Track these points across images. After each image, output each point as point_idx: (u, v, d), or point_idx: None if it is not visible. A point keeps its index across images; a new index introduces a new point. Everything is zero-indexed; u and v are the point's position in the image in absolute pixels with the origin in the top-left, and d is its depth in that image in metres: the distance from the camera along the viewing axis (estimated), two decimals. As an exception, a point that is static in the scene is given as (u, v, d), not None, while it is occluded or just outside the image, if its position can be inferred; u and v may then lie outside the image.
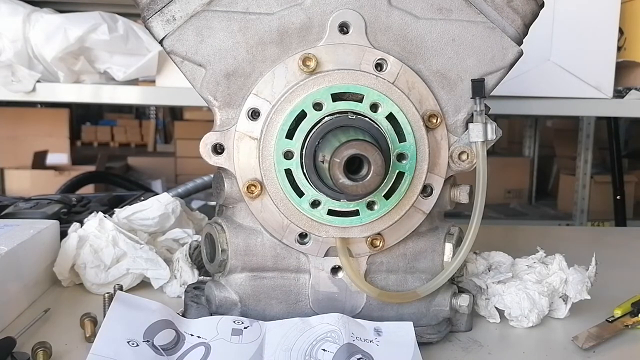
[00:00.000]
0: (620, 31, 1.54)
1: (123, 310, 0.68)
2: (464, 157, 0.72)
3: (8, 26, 1.39)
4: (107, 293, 0.73)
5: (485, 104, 0.71)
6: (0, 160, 3.50)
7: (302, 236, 0.71)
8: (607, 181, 3.12)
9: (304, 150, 0.66)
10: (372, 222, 0.70)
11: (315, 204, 0.68)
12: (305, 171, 0.66)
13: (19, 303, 0.80)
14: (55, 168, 3.63)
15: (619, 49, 1.54)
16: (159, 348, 0.65)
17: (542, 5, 0.72)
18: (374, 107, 0.67)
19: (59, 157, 3.77)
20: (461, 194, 0.74)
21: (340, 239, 0.70)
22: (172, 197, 1.01)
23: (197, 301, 0.76)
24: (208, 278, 0.78)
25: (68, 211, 1.10)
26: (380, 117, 0.67)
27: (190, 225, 1.04)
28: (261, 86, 0.68)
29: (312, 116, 0.66)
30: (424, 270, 0.75)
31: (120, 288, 0.78)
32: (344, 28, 0.68)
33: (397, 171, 0.69)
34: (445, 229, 0.75)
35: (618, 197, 2.81)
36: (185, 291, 0.79)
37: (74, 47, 1.40)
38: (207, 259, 0.75)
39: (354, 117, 0.65)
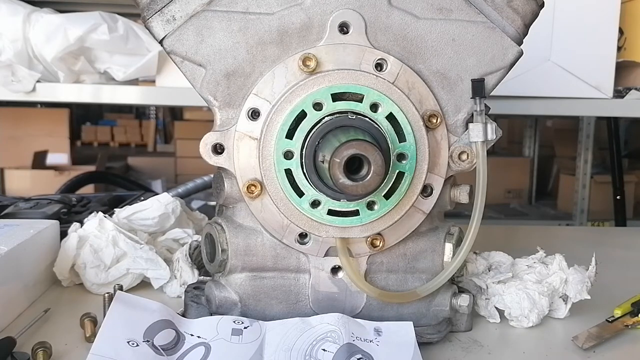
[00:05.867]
0: (620, 31, 1.54)
1: (123, 310, 0.68)
2: (464, 157, 0.72)
3: (8, 26, 1.39)
4: (107, 293, 0.73)
5: (485, 104, 0.71)
6: (0, 160, 3.50)
7: (302, 236, 0.71)
8: (607, 181, 3.12)
9: (304, 150, 0.66)
10: (372, 222, 0.70)
11: (315, 204, 0.68)
12: (305, 171, 0.66)
13: (19, 303, 0.80)
14: (55, 168, 3.63)
15: (619, 49, 1.54)
16: (159, 348, 0.65)
17: (542, 5, 0.72)
18: (374, 107, 0.67)
19: (59, 157, 3.77)
20: (461, 194, 0.74)
21: (340, 239, 0.70)
22: (172, 197, 1.01)
23: (197, 301, 0.76)
24: (208, 278, 0.78)
25: (68, 211, 1.10)
26: (380, 117, 0.67)
27: (190, 225, 1.04)
28: (261, 86, 0.68)
29: (312, 116, 0.66)
30: (424, 270, 0.75)
31: (120, 288, 0.78)
32: (344, 28, 0.68)
33: (397, 171, 0.69)
34: (445, 229, 0.75)
35: (618, 197, 2.80)
36: (185, 291, 0.79)
37: (74, 47, 1.40)
38: (207, 259, 0.75)
39: (354, 117, 0.65)
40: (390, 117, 0.68)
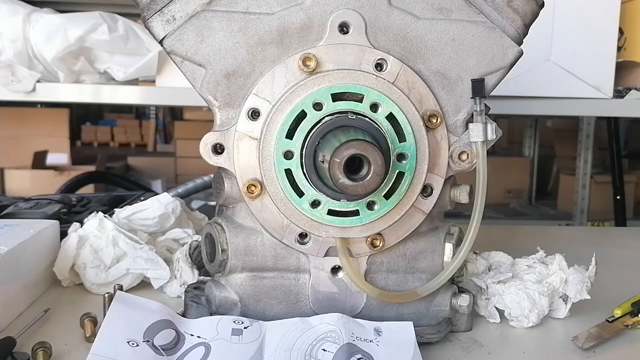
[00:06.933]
0: (620, 31, 1.54)
1: (123, 310, 0.68)
2: (464, 157, 0.72)
3: (8, 26, 1.39)
4: (107, 293, 0.73)
5: (485, 104, 0.71)
6: (0, 160, 3.50)
7: (302, 236, 0.71)
8: (607, 181, 3.11)
9: (304, 150, 0.66)
10: (372, 222, 0.70)
11: (315, 204, 0.68)
12: (305, 171, 0.66)
13: (19, 303, 0.80)
14: (55, 168, 3.64)
15: (619, 49, 1.54)
16: (159, 348, 0.65)
17: (542, 5, 0.72)
18: (374, 107, 0.67)
19: (59, 157, 3.77)
20: (461, 194, 0.74)
21: (340, 239, 0.70)
22: (172, 197, 1.01)
23: (197, 301, 0.76)
24: (208, 278, 0.78)
25: (68, 211, 1.10)
26: (380, 117, 0.67)
27: (190, 225, 1.04)
28: (261, 86, 0.68)
29: (312, 116, 0.66)
30: (424, 270, 0.75)
31: (120, 288, 0.78)
32: (344, 28, 0.68)
33: (397, 171, 0.69)
34: (445, 229, 0.75)
35: (618, 197, 2.80)
36: (185, 291, 0.79)
37: (74, 47, 1.40)
38: (207, 259, 0.75)
39: (354, 117, 0.65)
40: (390, 117, 0.68)
